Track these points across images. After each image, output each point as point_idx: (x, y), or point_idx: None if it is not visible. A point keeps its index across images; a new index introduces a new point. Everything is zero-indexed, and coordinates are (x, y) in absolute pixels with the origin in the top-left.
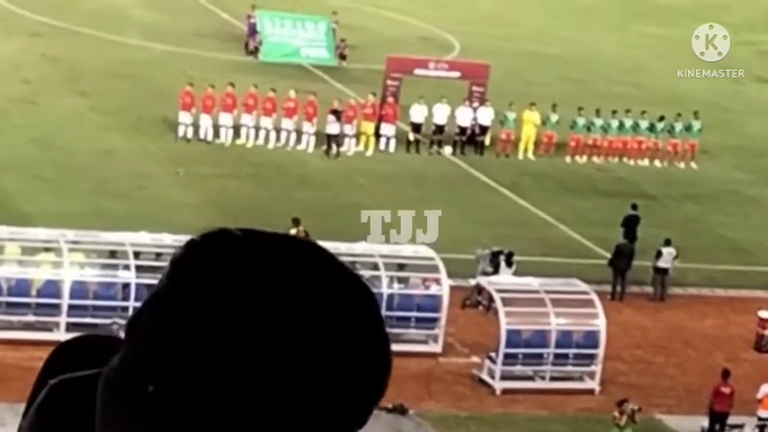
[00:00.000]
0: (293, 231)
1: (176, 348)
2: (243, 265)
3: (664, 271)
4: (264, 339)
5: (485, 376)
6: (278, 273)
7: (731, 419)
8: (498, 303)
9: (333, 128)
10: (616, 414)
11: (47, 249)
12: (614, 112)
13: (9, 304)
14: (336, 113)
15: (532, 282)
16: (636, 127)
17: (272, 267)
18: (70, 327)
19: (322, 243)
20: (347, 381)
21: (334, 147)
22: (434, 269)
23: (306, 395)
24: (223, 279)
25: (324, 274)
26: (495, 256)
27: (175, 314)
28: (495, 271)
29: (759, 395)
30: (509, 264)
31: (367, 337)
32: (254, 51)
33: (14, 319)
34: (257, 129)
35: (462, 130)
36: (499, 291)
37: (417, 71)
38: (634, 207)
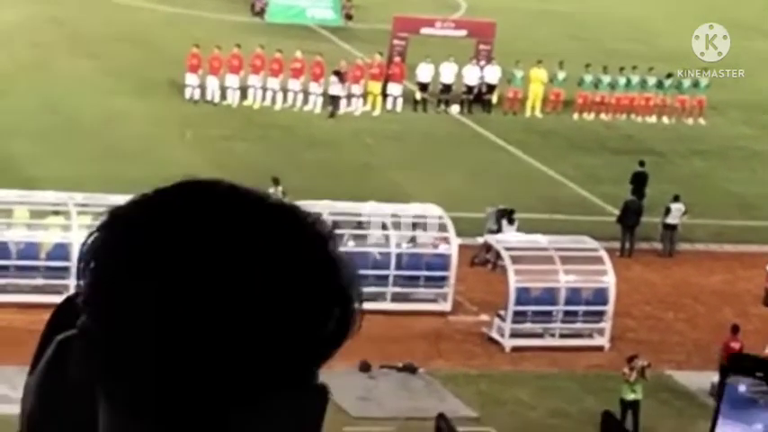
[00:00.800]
0: (271, 191)
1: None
2: (175, 216)
3: (672, 227)
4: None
5: (494, 334)
6: (205, 220)
7: None
8: (507, 261)
9: (335, 89)
10: (626, 370)
11: (56, 213)
12: (621, 68)
13: (18, 268)
14: (339, 74)
15: (541, 239)
16: (643, 84)
17: (203, 215)
18: None
19: (330, 203)
20: (285, 329)
21: (337, 107)
22: (443, 228)
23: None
24: (154, 229)
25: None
26: (501, 215)
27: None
28: (499, 229)
29: None
30: (510, 221)
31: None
32: (260, 12)
33: (24, 282)
34: (264, 90)
35: (469, 88)
36: (508, 249)
37: (424, 30)
38: (641, 164)
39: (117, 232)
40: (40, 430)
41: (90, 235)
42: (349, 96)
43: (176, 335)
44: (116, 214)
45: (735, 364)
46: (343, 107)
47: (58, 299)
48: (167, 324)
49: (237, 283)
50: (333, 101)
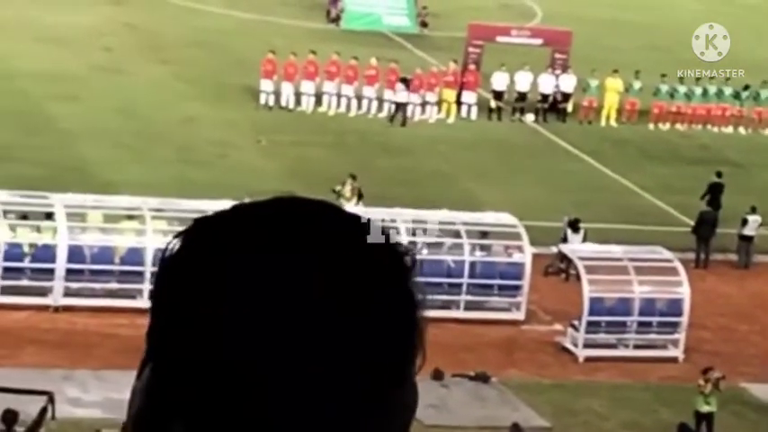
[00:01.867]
0: (348, 186)
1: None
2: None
3: (749, 239)
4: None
5: (568, 344)
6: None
7: None
8: (581, 271)
9: (401, 96)
10: (701, 382)
11: (130, 217)
12: (698, 79)
13: (92, 272)
14: (405, 82)
15: (615, 249)
16: (720, 94)
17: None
18: None
19: (404, 210)
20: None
21: (400, 114)
22: (517, 236)
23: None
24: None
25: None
26: (567, 224)
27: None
28: (565, 238)
29: None
30: (575, 230)
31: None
32: (336, 19)
33: (98, 286)
34: (339, 96)
35: (544, 97)
36: (582, 258)
37: (499, 38)
38: (719, 175)
39: (199, 251)
40: None
41: (170, 254)
42: (423, 104)
43: (282, 362)
44: (201, 228)
45: None
46: (417, 115)
47: (131, 303)
48: (269, 350)
49: (334, 308)
50: (397, 107)
